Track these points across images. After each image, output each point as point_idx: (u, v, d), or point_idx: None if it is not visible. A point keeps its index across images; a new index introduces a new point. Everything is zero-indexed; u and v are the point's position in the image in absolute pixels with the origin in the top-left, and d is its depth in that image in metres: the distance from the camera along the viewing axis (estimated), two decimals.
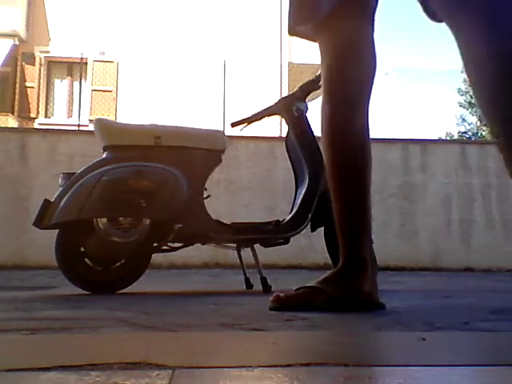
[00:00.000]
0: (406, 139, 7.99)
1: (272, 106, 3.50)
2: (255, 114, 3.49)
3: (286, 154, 3.47)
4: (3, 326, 1.53)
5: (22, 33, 14.47)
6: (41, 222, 2.82)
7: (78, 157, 6.56)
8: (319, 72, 3.60)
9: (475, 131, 28.64)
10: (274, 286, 3.13)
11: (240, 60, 12.98)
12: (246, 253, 3.26)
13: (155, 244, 3.04)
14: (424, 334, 1.18)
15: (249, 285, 3.22)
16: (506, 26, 1.33)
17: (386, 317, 1.75)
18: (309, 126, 3.39)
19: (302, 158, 3.31)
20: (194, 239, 3.21)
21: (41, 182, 6.66)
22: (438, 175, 7.68)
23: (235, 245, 3.24)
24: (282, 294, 1.91)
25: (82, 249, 2.90)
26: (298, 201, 3.24)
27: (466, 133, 29.13)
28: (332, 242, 3.29)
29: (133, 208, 2.88)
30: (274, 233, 3.18)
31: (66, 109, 14.84)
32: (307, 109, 3.44)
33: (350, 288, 1.87)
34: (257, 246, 3.25)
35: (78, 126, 10.06)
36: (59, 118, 14.55)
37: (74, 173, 2.91)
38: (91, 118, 12.55)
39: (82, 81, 12.03)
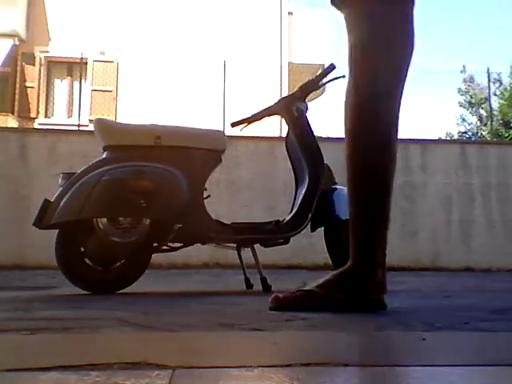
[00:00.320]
0: (406, 139, 7.99)
1: (272, 106, 3.49)
2: (255, 114, 3.49)
3: (286, 153, 3.47)
4: (3, 326, 1.53)
5: (22, 33, 14.47)
6: (41, 222, 2.82)
7: (78, 157, 6.56)
8: (319, 72, 3.60)
9: (475, 131, 28.63)
10: (274, 286, 3.13)
11: (240, 60, 12.98)
12: (246, 253, 3.26)
13: (155, 244, 3.04)
14: (424, 334, 1.18)
15: (249, 285, 3.22)
16: None
17: (386, 317, 1.75)
18: (309, 125, 3.39)
19: (302, 157, 3.31)
20: (194, 239, 3.20)
21: (41, 182, 6.66)
22: (438, 175, 7.68)
23: (235, 245, 3.24)
24: (280, 295, 1.87)
25: (82, 249, 2.90)
26: (298, 201, 3.23)
27: (466, 133, 29.12)
28: (332, 241, 3.29)
29: (133, 208, 2.88)
30: (274, 233, 3.18)
31: (66, 109, 14.84)
32: (307, 109, 3.44)
33: (353, 291, 1.80)
34: (257, 246, 3.25)
35: (78, 126, 10.06)
36: (59, 117, 14.55)
37: (74, 173, 2.91)
38: (91, 118, 12.54)
39: (82, 81, 12.03)
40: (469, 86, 28.95)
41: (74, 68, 14.23)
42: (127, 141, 3.00)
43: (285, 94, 12.97)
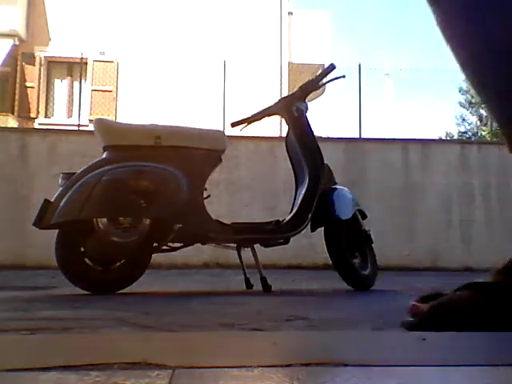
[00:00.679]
0: (406, 139, 8.00)
1: (272, 106, 3.50)
2: (255, 114, 3.49)
3: (286, 153, 3.47)
4: (3, 326, 1.53)
5: (22, 33, 14.47)
6: (41, 222, 2.82)
7: (78, 157, 6.56)
8: (319, 72, 3.60)
9: (475, 131, 28.64)
10: (274, 285, 3.13)
11: (240, 60, 12.98)
12: (246, 253, 3.26)
13: (155, 244, 3.04)
14: (424, 334, 1.18)
15: (249, 285, 3.22)
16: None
17: (386, 317, 1.75)
18: (309, 125, 3.39)
19: (302, 158, 3.31)
20: (194, 239, 3.21)
21: (41, 182, 6.66)
22: (437, 175, 7.69)
23: (235, 245, 3.24)
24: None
25: (82, 249, 2.90)
26: (298, 201, 3.24)
27: (466, 133, 29.13)
28: (332, 242, 3.29)
29: (133, 208, 2.88)
30: (274, 233, 3.18)
31: (66, 109, 14.84)
32: (307, 109, 3.44)
33: None
34: (257, 246, 3.25)
35: (78, 126, 10.06)
36: (59, 117, 14.55)
37: (74, 173, 2.91)
38: (91, 118, 12.54)
39: (82, 81, 12.03)
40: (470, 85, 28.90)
41: (74, 68, 14.23)
42: (127, 141, 3.00)
43: (285, 94, 12.97)
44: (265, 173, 7.36)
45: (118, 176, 2.88)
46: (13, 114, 14.19)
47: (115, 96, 14.46)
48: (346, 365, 0.88)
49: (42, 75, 14.72)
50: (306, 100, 3.48)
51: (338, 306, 2.38)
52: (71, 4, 14.60)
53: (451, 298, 1.29)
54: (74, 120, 13.25)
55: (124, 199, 2.87)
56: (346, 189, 3.48)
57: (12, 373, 0.85)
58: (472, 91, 28.89)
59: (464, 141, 16.68)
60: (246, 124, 3.52)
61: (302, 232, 3.22)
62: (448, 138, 26.36)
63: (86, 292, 2.85)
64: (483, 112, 27.98)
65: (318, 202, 3.20)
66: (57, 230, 2.91)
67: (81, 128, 9.63)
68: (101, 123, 3.19)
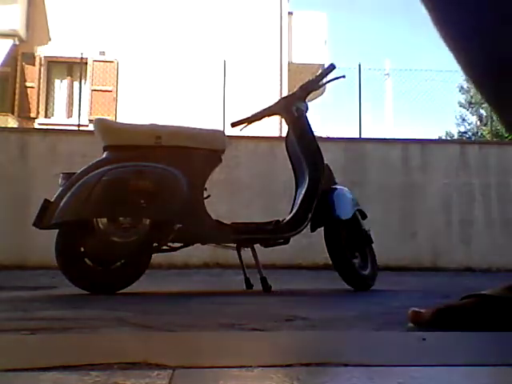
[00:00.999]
0: (406, 139, 7.99)
1: (272, 106, 3.49)
2: (255, 114, 3.49)
3: (286, 154, 3.47)
4: (3, 326, 1.53)
5: (22, 33, 14.46)
6: (41, 221, 2.82)
7: (77, 157, 6.56)
8: (319, 72, 3.60)
9: (475, 131, 28.63)
10: (274, 286, 3.13)
11: (240, 60, 12.98)
12: (246, 253, 3.26)
13: (155, 244, 3.03)
14: (424, 334, 1.18)
15: (249, 285, 3.22)
16: None
17: (386, 317, 1.75)
18: (309, 125, 3.39)
19: (302, 158, 3.31)
20: (194, 239, 3.21)
21: (41, 182, 6.66)
22: (437, 175, 7.68)
23: (235, 245, 3.24)
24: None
25: (82, 249, 2.90)
26: (298, 201, 3.23)
27: (466, 133, 29.12)
28: (332, 242, 3.29)
29: (133, 208, 2.88)
30: (274, 233, 3.18)
31: (65, 109, 14.83)
32: (307, 109, 3.44)
33: None
34: (257, 246, 3.25)
35: (78, 126, 10.05)
36: (59, 117, 14.54)
37: (74, 173, 2.91)
38: (91, 118, 12.54)
39: (82, 81, 12.02)
40: (471, 84, 28.90)
41: (74, 68, 14.21)
42: (127, 141, 3.00)
43: (285, 94, 12.96)
44: (265, 173, 7.36)
45: (118, 176, 2.88)
46: (13, 113, 14.18)
47: (115, 96, 14.45)
48: (346, 365, 0.88)
49: (41, 75, 14.72)
50: (306, 100, 3.48)
51: (338, 306, 2.38)
52: (71, 4, 14.59)
53: (456, 305, 1.32)
54: (74, 120, 13.24)
55: (124, 199, 2.87)
56: (346, 189, 3.48)
57: (12, 373, 0.85)
58: (473, 91, 28.89)
59: (464, 141, 16.69)
60: (246, 124, 3.52)
61: (302, 232, 3.22)
62: (448, 138, 26.35)
63: (85, 292, 2.85)
64: (483, 112, 27.97)
65: (317, 202, 3.20)
66: (57, 230, 2.91)
67: (81, 128, 9.62)
68: (101, 123, 3.19)
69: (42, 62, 14.73)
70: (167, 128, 3.20)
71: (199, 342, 1.19)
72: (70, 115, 14.64)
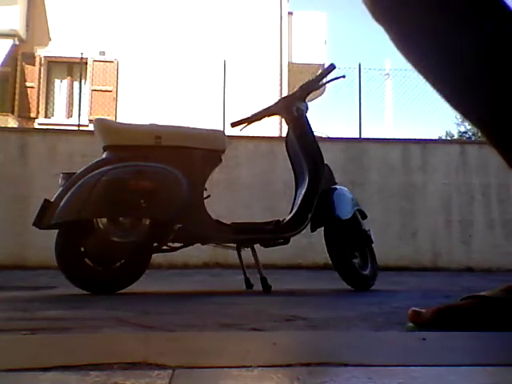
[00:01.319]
0: (406, 139, 7.99)
1: (272, 106, 3.49)
2: (255, 114, 3.49)
3: (286, 154, 3.47)
4: (3, 326, 1.53)
5: (22, 33, 14.46)
6: (41, 221, 2.82)
7: (77, 157, 6.56)
8: (319, 72, 3.60)
9: (475, 131, 28.62)
10: (274, 286, 3.13)
11: (240, 60, 12.98)
12: (246, 253, 3.26)
13: (155, 244, 3.04)
14: (424, 334, 1.18)
15: (249, 285, 3.22)
16: None
17: (386, 317, 1.75)
18: (309, 125, 3.39)
19: (302, 157, 3.31)
20: (194, 239, 3.21)
21: (41, 182, 6.66)
22: (437, 175, 7.68)
23: (235, 245, 3.24)
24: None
25: (82, 249, 2.90)
26: (298, 201, 3.23)
27: (466, 133, 29.12)
28: (332, 242, 3.29)
29: (133, 208, 2.88)
30: (274, 233, 3.18)
31: (65, 109, 14.83)
32: (307, 109, 3.44)
33: None
34: (257, 246, 3.25)
35: (78, 126, 10.05)
36: (59, 117, 14.54)
37: (74, 173, 2.91)
38: (91, 118, 12.54)
39: (82, 81, 12.02)
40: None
41: (74, 68, 14.22)
42: (127, 141, 3.00)
43: (285, 94, 12.97)
44: (265, 173, 7.36)
45: (118, 176, 2.88)
46: (13, 113, 14.18)
47: (115, 96, 14.45)
48: (346, 365, 0.88)
49: (42, 75, 14.72)
50: (306, 100, 3.48)
51: (338, 306, 2.38)
52: (71, 4, 14.60)
53: (455, 306, 1.33)
54: (74, 120, 13.25)
55: (124, 199, 2.87)
56: (346, 189, 3.48)
57: (12, 373, 0.85)
58: None
59: (464, 141, 16.68)
60: (245, 124, 3.52)
61: (302, 232, 3.22)
62: (448, 138, 26.35)
63: (86, 292, 2.85)
64: None
65: (317, 202, 3.20)
66: (57, 230, 2.91)
67: (81, 128, 9.62)
68: (101, 123, 3.19)
69: (42, 62, 14.73)
70: (167, 128, 3.20)
71: (199, 342, 1.19)
72: (69, 115, 14.65)
